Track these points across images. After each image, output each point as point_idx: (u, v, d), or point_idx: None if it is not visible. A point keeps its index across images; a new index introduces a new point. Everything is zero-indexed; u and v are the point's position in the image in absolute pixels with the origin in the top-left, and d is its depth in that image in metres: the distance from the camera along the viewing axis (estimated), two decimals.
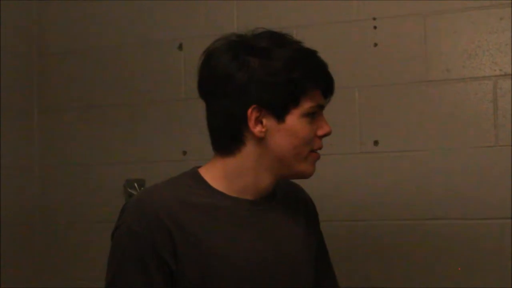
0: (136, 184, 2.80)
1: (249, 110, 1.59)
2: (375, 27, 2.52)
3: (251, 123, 1.60)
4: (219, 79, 1.63)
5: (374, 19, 2.52)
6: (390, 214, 2.48)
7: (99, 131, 2.94)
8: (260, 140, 1.62)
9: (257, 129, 1.61)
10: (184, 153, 2.77)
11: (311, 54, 1.67)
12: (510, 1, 2.39)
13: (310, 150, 1.65)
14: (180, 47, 2.82)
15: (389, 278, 2.48)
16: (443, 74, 2.45)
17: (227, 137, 1.65)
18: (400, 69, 2.49)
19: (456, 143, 2.42)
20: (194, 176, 1.67)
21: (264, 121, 1.61)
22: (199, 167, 1.71)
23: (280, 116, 1.61)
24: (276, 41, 1.64)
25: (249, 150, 1.63)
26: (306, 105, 1.61)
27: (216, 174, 1.66)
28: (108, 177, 2.88)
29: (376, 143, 2.50)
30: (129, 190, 2.80)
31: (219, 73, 1.63)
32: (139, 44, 2.90)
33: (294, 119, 1.61)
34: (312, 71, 1.63)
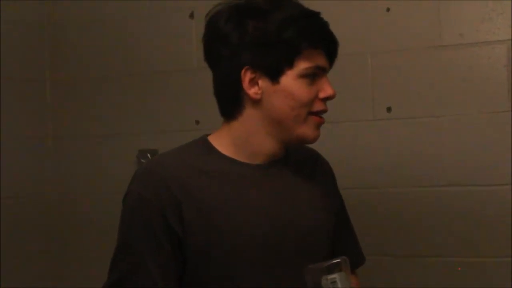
0: (149, 155, 2.80)
1: (242, 71, 1.60)
2: None
3: (245, 85, 1.61)
4: (216, 42, 1.66)
5: None
6: (404, 181, 2.47)
7: (111, 102, 2.94)
8: (258, 102, 1.63)
9: (252, 91, 1.62)
10: (197, 122, 2.77)
11: (308, 15, 1.64)
12: None
13: (309, 112, 1.63)
14: (192, 15, 2.80)
15: (402, 245, 2.48)
16: (457, 38, 2.42)
17: (228, 101, 1.67)
18: (413, 34, 2.47)
19: (470, 108, 2.40)
20: (204, 144, 1.69)
21: (260, 82, 1.61)
22: (209, 134, 1.72)
23: (274, 77, 1.60)
24: (275, 3, 1.63)
25: (249, 113, 1.65)
26: (302, 65, 1.60)
27: (224, 140, 1.68)
28: (121, 147, 2.89)
29: (389, 109, 2.48)
30: (142, 160, 2.80)
31: (216, 36, 1.65)
32: (150, 13, 2.88)
33: (289, 80, 1.60)
34: (307, 31, 1.60)
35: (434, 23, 2.44)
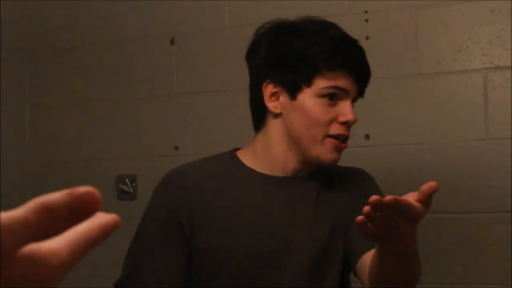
0: (127, 180, 2.80)
1: (264, 84, 1.66)
2: (366, 20, 2.52)
3: (266, 98, 1.66)
4: (251, 53, 1.73)
5: (366, 12, 2.52)
6: None
7: (91, 127, 2.93)
8: (278, 116, 1.67)
9: (271, 104, 1.67)
10: (176, 148, 2.77)
11: (337, 37, 1.65)
12: None
13: (326, 134, 1.62)
14: (172, 41, 2.81)
15: None
16: (434, 67, 2.45)
17: (254, 112, 1.73)
18: (391, 62, 2.49)
19: (447, 136, 2.42)
20: (230, 155, 1.76)
21: (281, 97, 1.65)
22: (239, 148, 1.79)
23: (292, 94, 1.63)
24: (316, 24, 1.67)
25: (271, 125, 1.69)
26: (320, 84, 1.61)
27: (249, 151, 1.74)
28: (100, 172, 2.88)
29: (367, 136, 2.49)
30: (120, 186, 2.79)
31: (251, 48, 1.72)
32: (131, 39, 2.89)
33: (305, 98, 1.62)
34: (329, 52, 1.61)
35: (413, 51, 2.47)
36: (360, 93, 1.70)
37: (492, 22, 2.39)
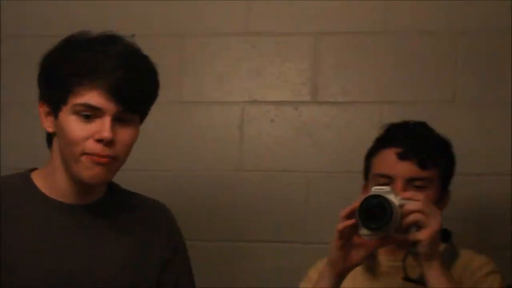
0: None
1: (39, 104, 1.65)
2: None
3: (41, 117, 1.64)
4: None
5: (133, 35, 2.40)
6: None
7: None
8: (55, 137, 1.64)
9: (46, 124, 1.64)
10: None
11: (96, 53, 1.58)
12: (262, 31, 2.48)
13: (82, 152, 1.58)
14: None
15: None
16: (195, 96, 2.48)
17: (46, 132, 1.68)
18: None
19: (204, 165, 2.49)
20: (23, 176, 1.69)
21: (52, 117, 1.62)
22: (36, 168, 1.71)
23: (55, 113, 1.61)
24: (80, 40, 1.62)
25: (54, 147, 1.66)
26: (72, 102, 1.57)
27: (42, 173, 1.69)
28: None
29: None
30: None
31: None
32: None
33: (63, 117, 1.59)
34: (81, 67, 1.57)
35: (176, 78, 2.46)
36: (133, 110, 1.65)
37: (253, 57, 2.48)
